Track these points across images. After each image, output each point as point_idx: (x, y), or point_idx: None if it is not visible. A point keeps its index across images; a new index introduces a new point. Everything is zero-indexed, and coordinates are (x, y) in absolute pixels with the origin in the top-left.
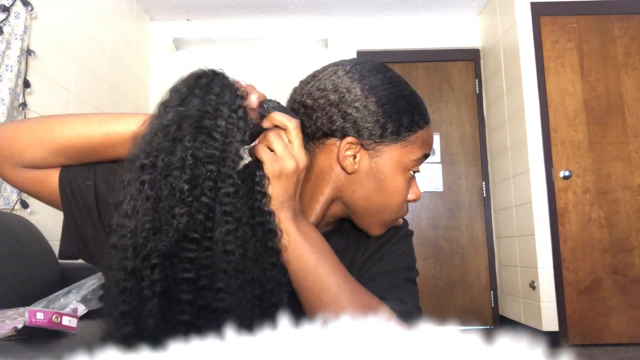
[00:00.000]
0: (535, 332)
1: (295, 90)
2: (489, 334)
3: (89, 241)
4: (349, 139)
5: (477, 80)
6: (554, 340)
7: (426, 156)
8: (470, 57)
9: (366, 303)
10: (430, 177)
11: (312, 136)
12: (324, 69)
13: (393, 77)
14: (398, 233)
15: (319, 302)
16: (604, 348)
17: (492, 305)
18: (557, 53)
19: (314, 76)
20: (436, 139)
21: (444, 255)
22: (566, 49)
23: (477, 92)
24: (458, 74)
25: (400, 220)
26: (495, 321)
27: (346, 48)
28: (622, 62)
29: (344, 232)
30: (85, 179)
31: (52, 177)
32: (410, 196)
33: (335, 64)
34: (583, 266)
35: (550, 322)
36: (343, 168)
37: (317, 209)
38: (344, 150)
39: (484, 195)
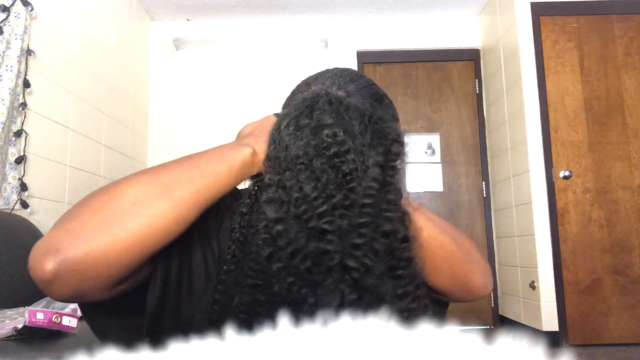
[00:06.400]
0: (535, 332)
1: (291, 100)
2: (489, 334)
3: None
4: None
5: (477, 80)
6: (554, 340)
7: None
8: (470, 57)
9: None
10: (430, 177)
11: None
12: (316, 78)
13: (371, 80)
14: None
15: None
16: (604, 348)
17: (492, 305)
18: (557, 53)
19: (307, 84)
20: (436, 139)
21: None
22: (566, 49)
23: (477, 92)
24: (458, 74)
25: None
26: (495, 321)
27: (346, 48)
28: (622, 62)
29: None
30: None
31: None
32: None
33: (324, 72)
34: (583, 266)
35: (550, 322)
36: None
37: None
38: None
39: (484, 195)
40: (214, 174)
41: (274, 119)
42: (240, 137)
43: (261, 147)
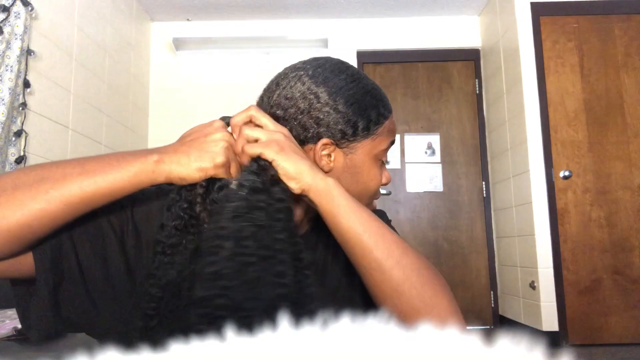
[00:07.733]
0: (535, 332)
1: (262, 99)
2: (489, 334)
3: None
4: (324, 140)
5: (477, 80)
6: (554, 340)
7: (392, 143)
8: (470, 57)
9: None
10: (430, 177)
11: None
12: (286, 75)
13: (355, 74)
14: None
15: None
16: (604, 348)
17: (492, 305)
18: (557, 53)
19: (277, 84)
20: (436, 139)
21: (444, 255)
22: (566, 49)
23: (477, 92)
24: (458, 74)
25: (375, 204)
26: (495, 321)
27: (346, 48)
28: (622, 62)
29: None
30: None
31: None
32: (383, 180)
33: (296, 69)
34: (583, 266)
35: (550, 322)
36: (320, 168)
37: (300, 206)
38: (320, 152)
39: (484, 195)
40: (96, 175)
41: (220, 124)
42: (180, 139)
43: (180, 157)
